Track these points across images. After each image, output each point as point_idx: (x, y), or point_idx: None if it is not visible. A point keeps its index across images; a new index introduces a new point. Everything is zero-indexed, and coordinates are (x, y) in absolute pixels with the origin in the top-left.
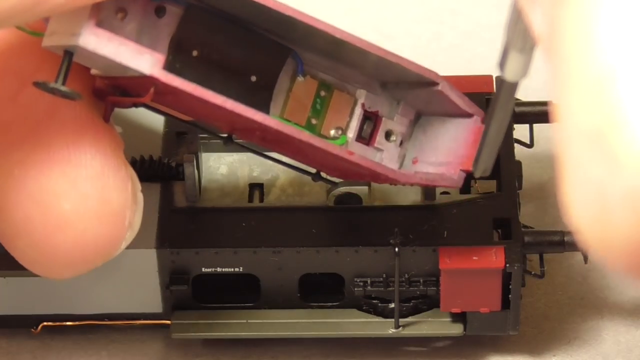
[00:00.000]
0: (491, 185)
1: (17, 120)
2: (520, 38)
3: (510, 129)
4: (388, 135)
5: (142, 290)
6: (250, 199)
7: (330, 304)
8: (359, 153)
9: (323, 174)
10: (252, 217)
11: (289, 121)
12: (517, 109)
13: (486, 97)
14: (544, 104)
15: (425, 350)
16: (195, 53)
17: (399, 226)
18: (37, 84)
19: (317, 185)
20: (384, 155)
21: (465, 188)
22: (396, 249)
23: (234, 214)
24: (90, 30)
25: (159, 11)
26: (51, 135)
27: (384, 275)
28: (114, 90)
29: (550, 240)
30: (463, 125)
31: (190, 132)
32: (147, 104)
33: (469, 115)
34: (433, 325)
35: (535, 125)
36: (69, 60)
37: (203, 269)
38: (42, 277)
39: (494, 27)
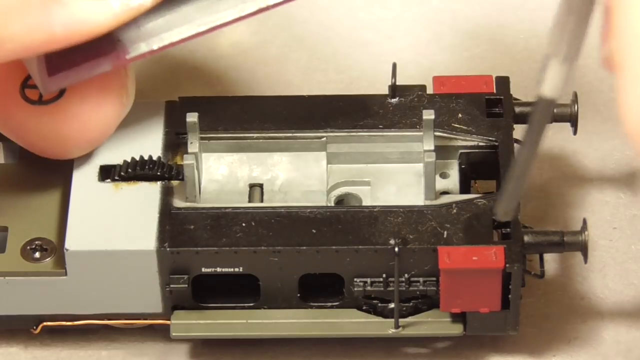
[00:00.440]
0: (491, 185)
1: None
2: (564, 45)
3: (510, 129)
4: None
5: (142, 290)
6: (250, 199)
7: (330, 304)
8: None
9: None
10: (252, 217)
11: None
12: (517, 109)
13: (486, 97)
14: None
15: (425, 350)
16: None
17: (399, 226)
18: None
19: (317, 186)
20: None
21: (465, 188)
22: (396, 249)
23: (234, 214)
24: (47, 82)
25: None
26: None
27: (384, 276)
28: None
29: (550, 240)
30: None
31: (190, 132)
32: None
33: None
34: (433, 325)
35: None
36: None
37: (203, 269)
38: (42, 278)
39: (494, 27)
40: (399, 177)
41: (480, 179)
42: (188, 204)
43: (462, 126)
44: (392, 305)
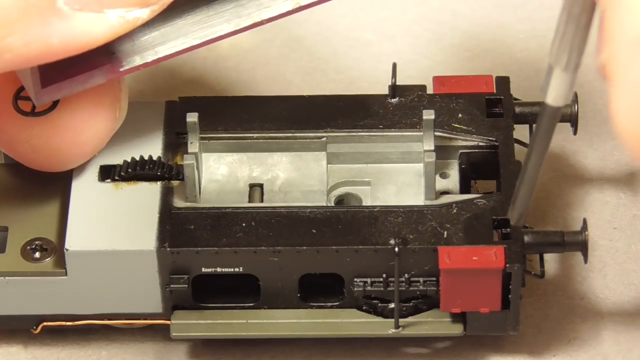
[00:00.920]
0: (491, 185)
1: None
2: (565, 54)
3: (510, 129)
4: None
5: (142, 290)
6: (250, 199)
7: (330, 304)
8: None
9: None
10: (252, 217)
11: None
12: (517, 109)
13: (486, 97)
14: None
15: (425, 350)
16: None
17: (399, 226)
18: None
19: (317, 186)
20: None
21: (466, 188)
22: (396, 249)
23: (234, 214)
24: (41, 93)
25: None
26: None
27: (384, 276)
28: None
29: (550, 241)
30: None
31: (190, 132)
32: None
33: None
34: (433, 325)
35: (534, 125)
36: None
37: (203, 269)
38: (42, 278)
39: (494, 27)
40: (399, 177)
41: (480, 179)
42: (188, 204)
43: (462, 126)
44: (392, 305)
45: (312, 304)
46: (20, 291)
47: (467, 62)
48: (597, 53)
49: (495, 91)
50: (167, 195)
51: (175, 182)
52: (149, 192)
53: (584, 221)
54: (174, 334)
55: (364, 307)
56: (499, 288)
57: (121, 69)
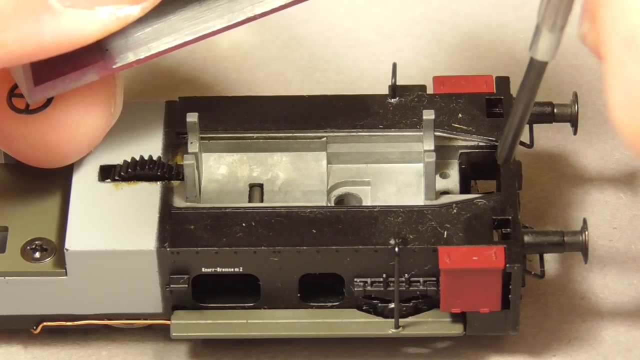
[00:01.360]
0: (491, 185)
1: None
2: (551, 16)
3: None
4: None
5: (142, 290)
6: (250, 199)
7: (330, 304)
8: None
9: None
10: (252, 217)
11: None
12: None
13: (486, 97)
14: (544, 104)
15: (425, 350)
16: None
17: (399, 226)
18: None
19: (317, 186)
20: None
21: (465, 188)
22: (396, 249)
23: (234, 214)
24: (34, 90)
25: None
26: None
27: (384, 276)
28: None
29: (550, 241)
30: None
31: (190, 132)
32: None
33: None
34: (433, 325)
35: (535, 125)
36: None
37: (203, 269)
38: (42, 278)
39: (494, 27)
40: (399, 177)
41: (480, 179)
42: (188, 204)
43: (462, 126)
44: (392, 305)
45: (312, 304)
46: (20, 291)
47: (467, 62)
48: (581, 21)
49: (495, 91)
50: (167, 195)
51: (175, 182)
52: (149, 192)
53: (584, 221)
54: (174, 334)
55: (364, 307)
56: (499, 288)
57: (114, 66)
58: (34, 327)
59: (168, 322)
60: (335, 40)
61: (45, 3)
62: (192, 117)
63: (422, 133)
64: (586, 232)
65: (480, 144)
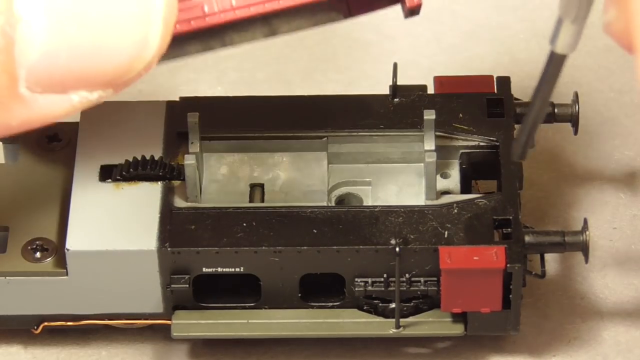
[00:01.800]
0: (492, 185)
1: None
2: (574, 6)
3: (511, 129)
4: None
5: (142, 290)
6: (251, 199)
7: (331, 304)
8: None
9: None
10: (252, 217)
11: None
12: (518, 109)
13: (487, 97)
14: None
15: (425, 350)
16: None
17: (400, 226)
18: None
19: (318, 186)
20: None
21: (466, 188)
22: (397, 249)
23: (235, 214)
24: None
25: None
26: None
27: (385, 275)
28: None
29: (550, 241)
30: None
31: (191, 132)
32: None
33: None
34: (434, 325)
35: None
36: None
37: (204, 269)
38: (42, 277)
39: (494, 27)
40: (399, 177)
41: (481, 179)
42: (189, 204)
43: (462, 126)
44: (393, 305)
45: (312, 304)
46: (21, 291)
47: (467, 62)
48: (605, 11)
49: (496, 91)
50: (167, 195)
51: (176, 182)
52: (150, 192)
53: (585, 221)
54: (174, 334)
55: (365, 307)
56: (500, 288)
57: None
58: (35, 327)
59: (169, 322)
60: (335, 40)
61: (14, 92)
62: (193, 117)
63: (422, 133)
64: (587, 232)
65: (481, 144)
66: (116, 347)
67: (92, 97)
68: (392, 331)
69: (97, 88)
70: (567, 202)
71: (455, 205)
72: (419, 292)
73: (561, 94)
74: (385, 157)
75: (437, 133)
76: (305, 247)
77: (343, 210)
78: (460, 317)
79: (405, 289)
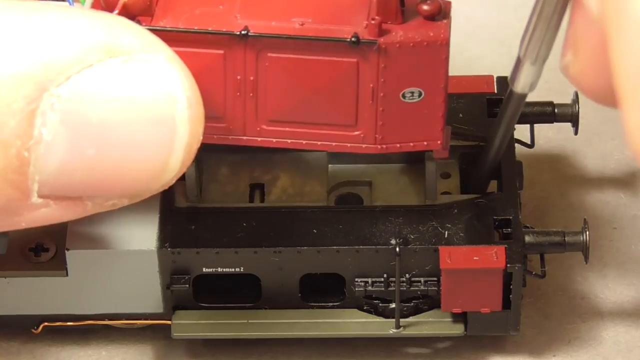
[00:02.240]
0: (492, 186)
1: None
2: (534, 49)
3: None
4: None
5: (142, 290)
6: (251, 199)
7: (331, 304)
8: None
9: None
10: (253, 217)
11: None
12: None
13: (487, 97)
14: (544, 104)
15: (425, 350)
16: None
17: (400, 226)
18: None
19: (318, 186)
20: None
21: (466, 188)
22: (397, 249)
23: (235, 214)
24: None
25: None
26: None
27: (385, 276)
28: None
29: (551, 241)
30: None
31: None
32: None
33: None
34: (434, 325)
35: (535, 125)
36: None
37: (204, 269)
38: (43, 278)
39: (493, 28)
40: (399, 177)
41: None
42: (189, 204)
43: (463, 126)
44: (393, 305)
45: (312, 304)
46: (21, 291)
47: (467, 62)
48: (562, 55)
49: (496, 91)
50: (168, 195)
51: (176, 182)
52: None
53: (585, 221)
54: (175, 334)
55: (365, 307)
56: (500, 288)
57: None
58: (35, 327)
59: (169, 322)
60: None
61: (26, 201)
62: None
63: None
64: (587, 232)
65: (481, 144)
66: (116, 347)
67: (107, 204)
68: (392, 331)
69: (113, 200)
70: (568, 202)
71: (455, 205)
72: (419, 292)
73: (561, 94)
74: (385, 157)
75: None
76: (305, 247)
77: (343, 210)
78: (460, 317)
79: (405, 289)
